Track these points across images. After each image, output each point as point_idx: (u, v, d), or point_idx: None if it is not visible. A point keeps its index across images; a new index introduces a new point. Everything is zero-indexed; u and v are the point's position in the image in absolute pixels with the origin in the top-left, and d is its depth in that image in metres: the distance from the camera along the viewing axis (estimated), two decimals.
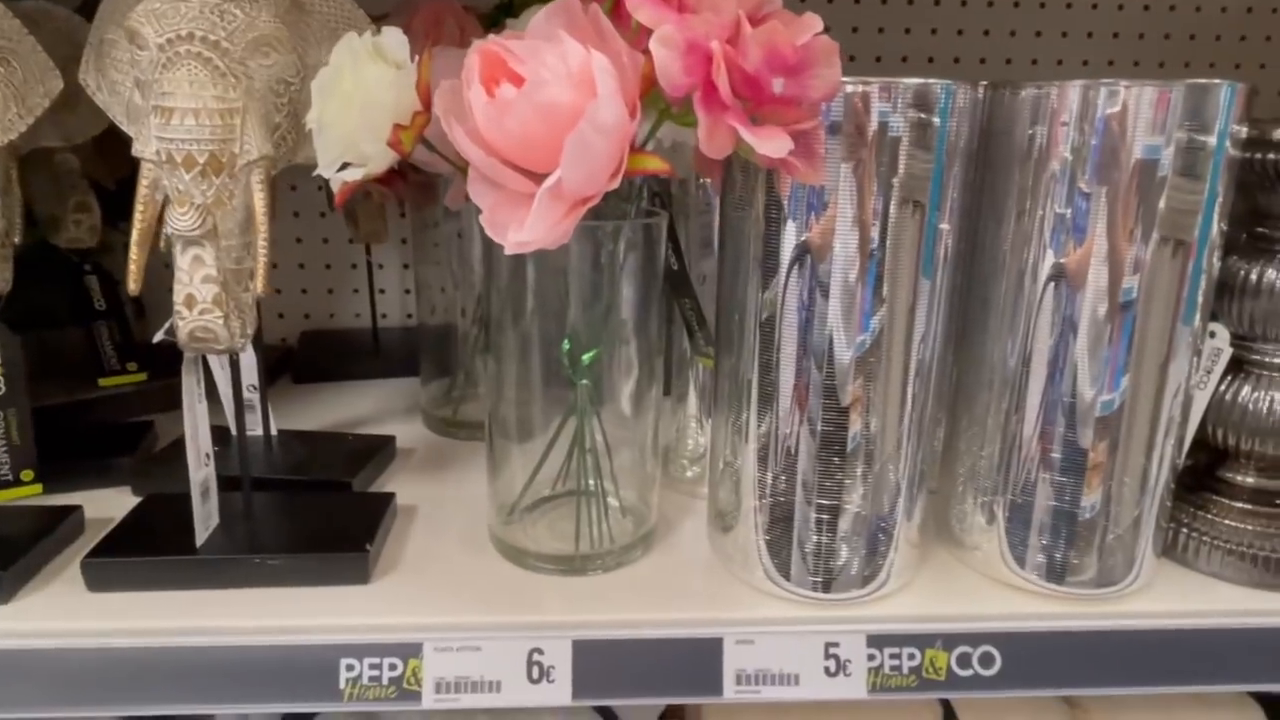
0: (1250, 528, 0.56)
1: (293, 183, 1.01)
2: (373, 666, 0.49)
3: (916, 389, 0.51)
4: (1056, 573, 0.53)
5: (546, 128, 0.39)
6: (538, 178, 0.41)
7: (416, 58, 0.46)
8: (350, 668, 0.49)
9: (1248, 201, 0.55)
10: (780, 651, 0.50)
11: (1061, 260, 0.49)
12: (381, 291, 1.04)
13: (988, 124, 0.51)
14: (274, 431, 0.72)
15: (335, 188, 0.48)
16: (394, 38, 0.46)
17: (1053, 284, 0.49)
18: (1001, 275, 0.52)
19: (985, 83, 0.50)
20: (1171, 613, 0.53)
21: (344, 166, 0.47)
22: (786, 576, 0.52)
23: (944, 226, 0.48)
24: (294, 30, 0.52)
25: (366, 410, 0.85)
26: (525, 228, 0.41)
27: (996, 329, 0.52)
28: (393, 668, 0.49)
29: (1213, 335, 0.57)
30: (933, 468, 0.55)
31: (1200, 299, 0.50)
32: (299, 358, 0.97)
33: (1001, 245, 0.51)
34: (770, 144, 0.38)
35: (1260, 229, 0.54)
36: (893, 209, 0.46)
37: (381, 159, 0.46)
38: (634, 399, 0.56)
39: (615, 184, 0.41)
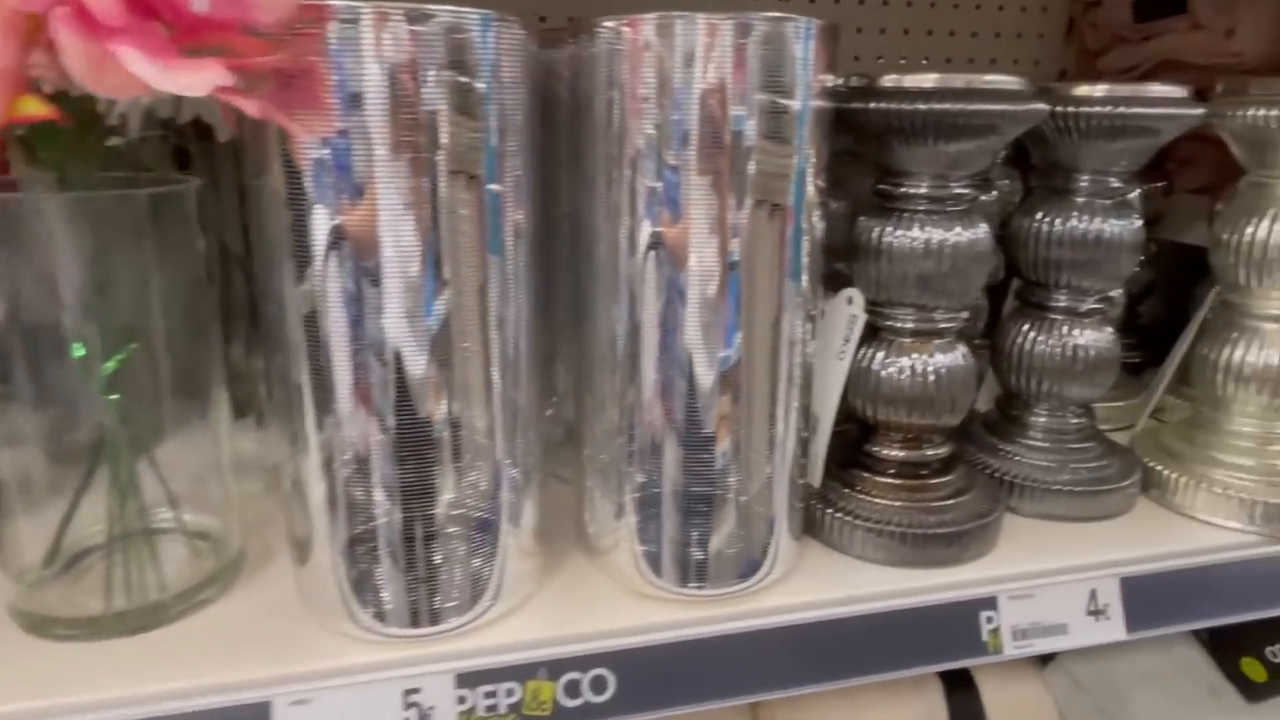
0: (895, 503, 0.53)
1: None
2: None
3: (502, 375, 0.43)
4: (685, 572, 0.47)
5: None
6: None
7: None
8: None
9: (878, 156, 0.51)
10: (345, 709, 0.41)
11: (659, 230, 0.43)
12: None
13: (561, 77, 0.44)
14: None
15: None
16: None
17: (653, 254, 0.43)
18: (599, 247, 0.45)
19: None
20: (808, 604, 0.48)
21: None
22: (370, 614, 0.44)
23: (494, 188, 0.40)
24: None
25: None
26: None
27: (604, 304, 0.46)
28: None
29: (850, 301, 0.53)
30: (553, 462, 0.48)
31: (805, 259, 0.45)
32: None
33: (595, 216, 0.45)
34: (179, 77, 0.29)
35: (882, 186, 0.51)
36: (442, 181, 0.39)
37: None
38: (183, 410, 0.46)
39: None
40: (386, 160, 0.38)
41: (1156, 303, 0.91)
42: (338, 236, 0.39)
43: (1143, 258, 0.86)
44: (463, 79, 0.38)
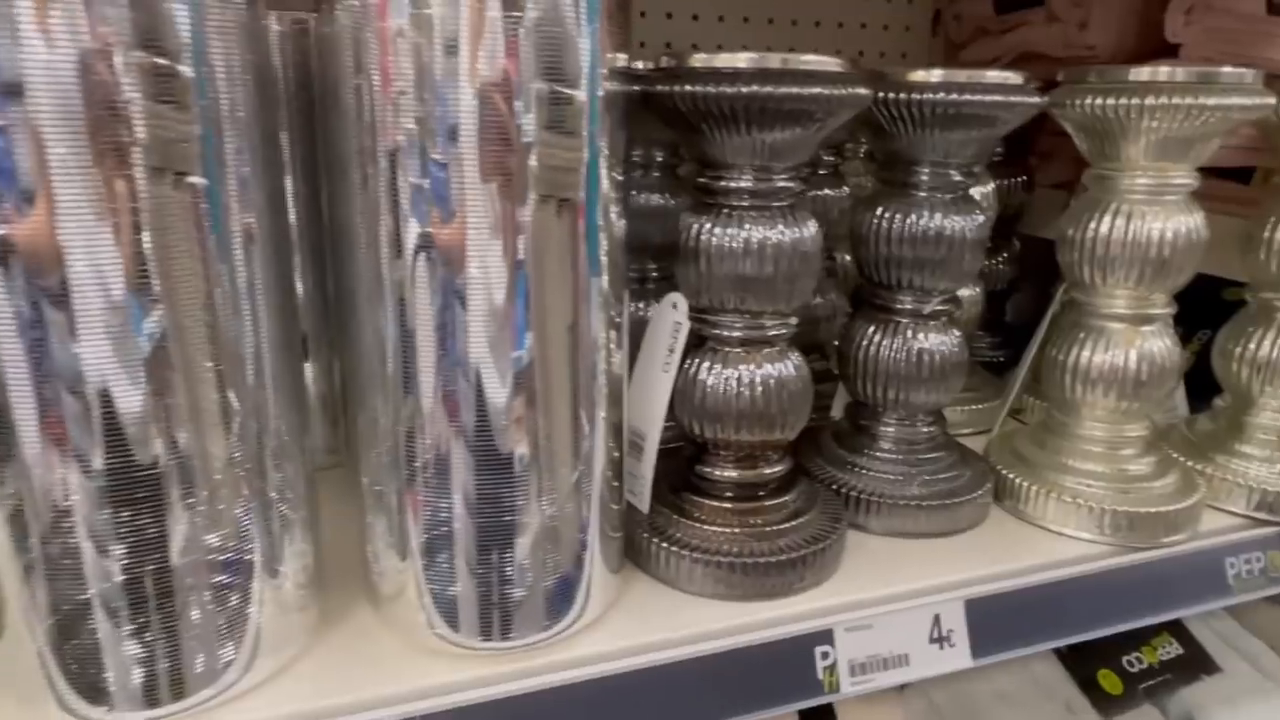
0: (728, 529, 0.48)
1: None
2: None
3: (241, 399, 0.37)
4: (482, 621, 0.41)
5: None
6: None
7: None
8: None
9: (694, 146, 0.46)
10: None
11: (429, 230, 0.36)
12: None
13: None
14: None
15: None
16: None
17: (423, 256, 0.37)
18: (358, 250, 0.39)
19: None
20: (624, 650, 0.43)
21: None
22: (86, 695, 0.36)
23: (197, 181, 0.34)
24: None
25: None
26: None
27: (369, 312, 0.39)
28: None
29: (674, 307, 0.48)
30: (300, 500, 0.41)
31: (604, 258, 0.40)
32: None
33: (353, 215, 0.38)
34: None
35: (701, 179, 0.46)
36: (141, 181, 0.32)
37: None
38: None
39: None
40: (67, 158, 0.31)
41: (1021, 299, 0.89)
42: (3, 250, 0.31)
43: (1005, 254, 0.85)
44: (161, 61, 0.32)
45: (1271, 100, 0.50)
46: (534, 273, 0.38)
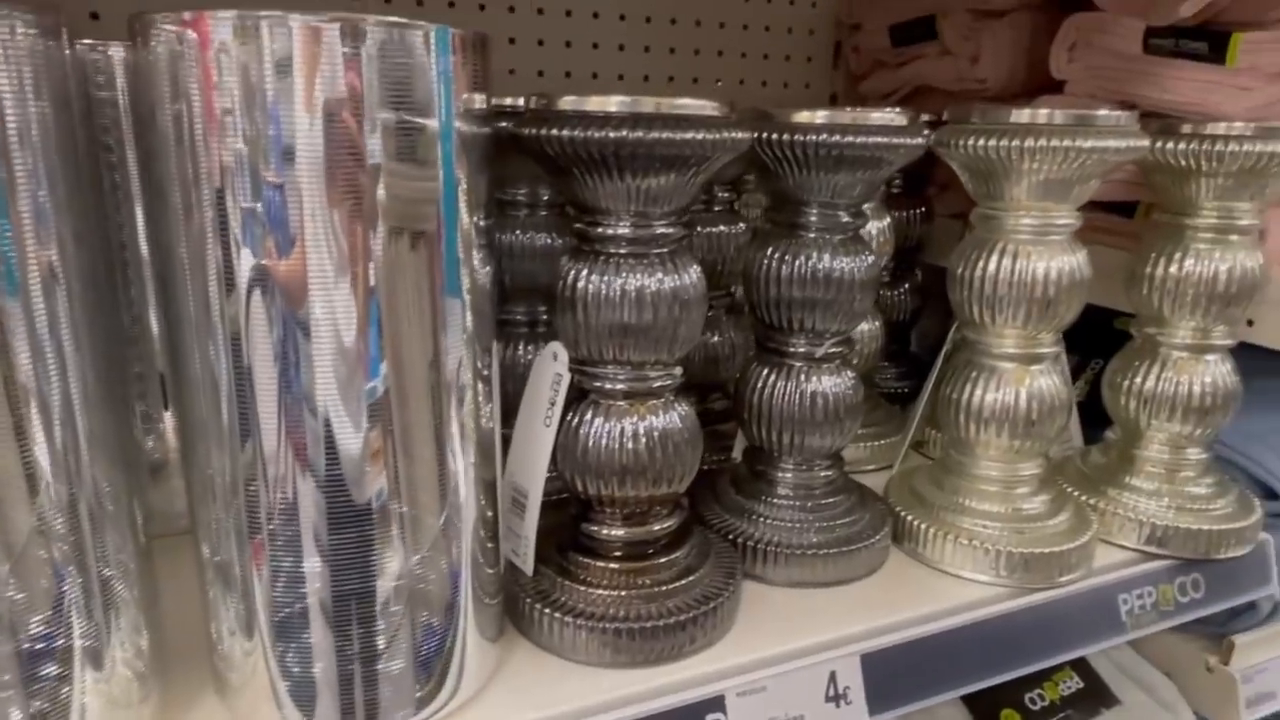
0: (615, 591, 0.46)
1: None
2: None
3: (50, 458, 0.33)
4: (341, 705, 0.38)
5: None
6: None
7: None
8: None
9: (570, 191, 0.44)
10: None
11: (263, 263, 0.33)
12: None
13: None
14: None
15: None
16: None
17: (257, 291, 0.34)
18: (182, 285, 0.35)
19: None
20: None
21: None
22: None
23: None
24: None
25: None
26: None
27: (201, 356, 0.36)
28: None
29: (555, 358, 0.46)
30: (131, 573, 0.37)
31: (466, 295, 0.37)
32: None
33: (176, 248, 0.35)
34: None
35: (578, 225, 0.44)
36: None
37: None
38: None
39: None
40: None
41: (924, 328, 0.90)
42: None
43: (907, 284, 0.85)
44: None
45: (1145, 142, 0.50)
46: (386, 303, 0.35)
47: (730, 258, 0.64)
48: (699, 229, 0.62)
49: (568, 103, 0.40)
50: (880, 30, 0.91)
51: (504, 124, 0.43)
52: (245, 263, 0.33)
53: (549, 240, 0.56)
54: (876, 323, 0.73)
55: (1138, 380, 0.60)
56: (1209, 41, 0.62)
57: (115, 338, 0.37)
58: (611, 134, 0.38)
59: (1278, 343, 0.62)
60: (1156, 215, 0.59)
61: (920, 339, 0.90)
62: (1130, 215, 0.69)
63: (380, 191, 0.34)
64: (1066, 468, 0.65)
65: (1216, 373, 0.58)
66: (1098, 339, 0.72)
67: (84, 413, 0.34)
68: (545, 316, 0.58)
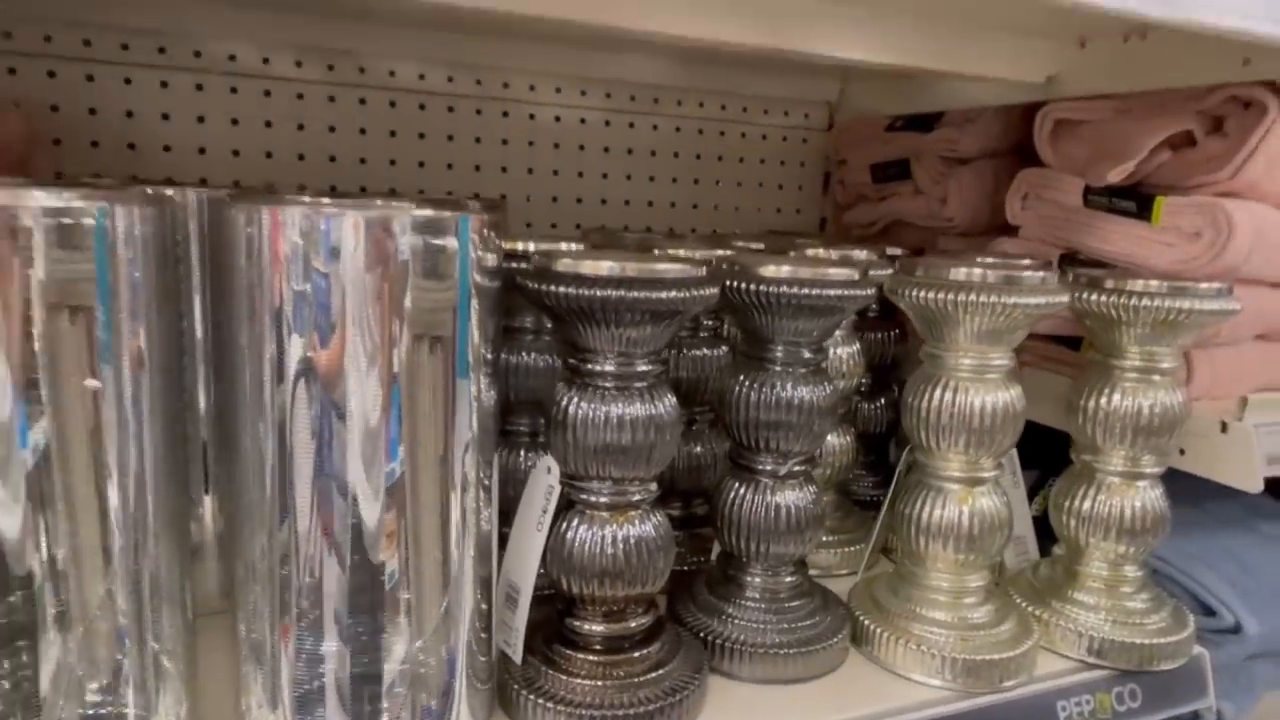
0: (592, 681, 0.52)
1: None
2: None
3: (124, 533, 0.40)
4: None
5: None
6: None
7: None
8: None
9: (563, 332, 0.52)
10: None
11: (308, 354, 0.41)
12: None
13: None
14: None
15: None
16: None
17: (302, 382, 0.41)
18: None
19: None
20: None
21: None
22: None
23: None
24: None
25: None
26: None
27: (247, 437, 0.43)
28: None
29: (548, 471, 0.53)
30: (179, 648, 0.44)
31: (474, 401, 0.45)
32: None
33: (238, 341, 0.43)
34: None
35: (571, 360, 0.52)
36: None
37: None
38: None
39: None
40: None
41: (902, 439, 0.97)
42: None
43: (883, 400, 0.92)
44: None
45: (1064, 299, 0.58)
46: (406, 395, 0.42)
47: (713, 378, 0.72)
48: (685, 351, 0.70)
49: (564, 264, 0.48)
50: (863, 167, 1.01)
51: (515, 265, 0.52)
52: (294, 354, 0.41)
53: (549, 361, 0.64)
54: (848, 437, 0.79)
55: (1077, 502, 0.66)
56: (1137, 201, 0.70)
57: (178, 418, 0.44)
58: (599, 293, 0.46)
59: (1206, 470, 0.68)
60: (1090, 354, 0.67)
61: (897, 450, 0.97)
62: (1076, 348, 0.77)
63: (407, 315, 0.41)
64: (1019, 580, 0.71)
65: (1147, 497, 0.65)
66: (1057, 457, 0.78)
67: (154, 490, 0.41)
68: (544, 428, 0.66)
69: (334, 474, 0.42)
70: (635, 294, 0.47)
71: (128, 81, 0.80)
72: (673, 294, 0.48)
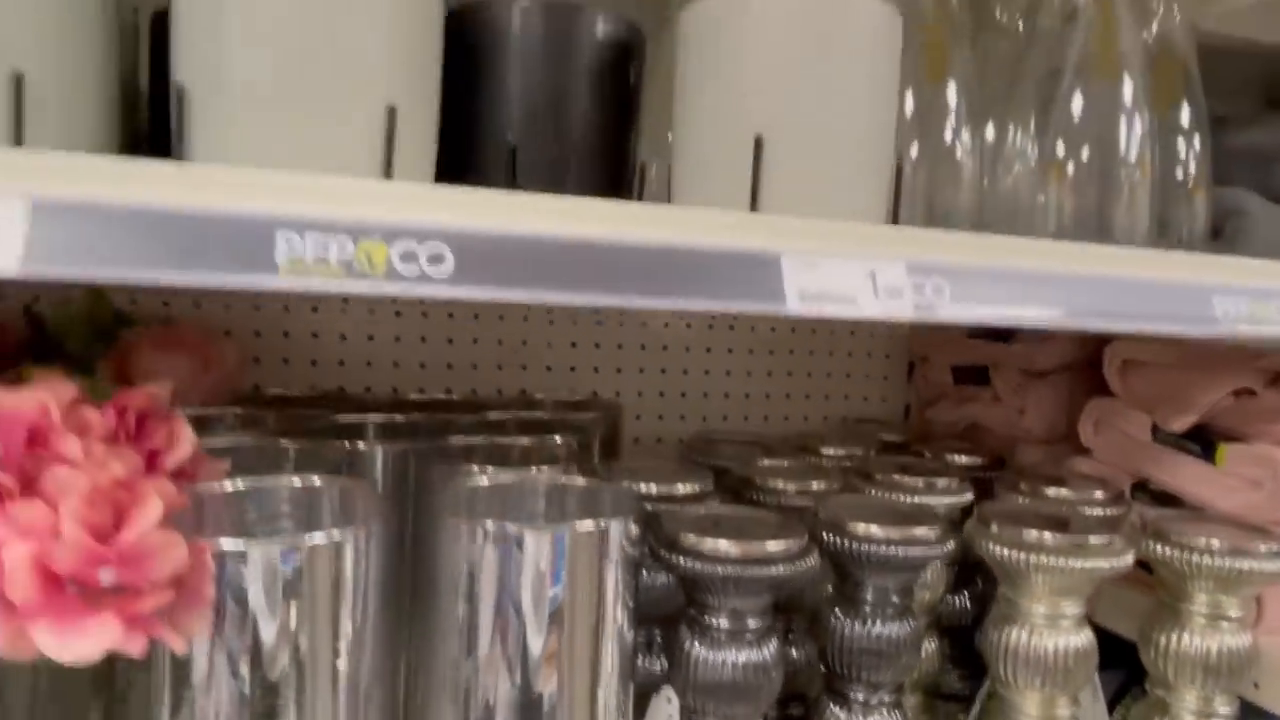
0: None
1: None
2: None
3: None
4: None
5: None
6: None
7: None
8: None
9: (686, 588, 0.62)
10: None
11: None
12: None
13: None
14: None
15: None
16: None
17: None
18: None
19: None
20: None
21: None
22: None
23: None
24: None
25: None
26: None
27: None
28: None
29: (669, 700, 0.62)
30: None
31: (625, 633, 0.55)
32: None
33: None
34: (77, 646, 0.38)
35: (690, 610, 0.61)
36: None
37: None
38: None
39: None
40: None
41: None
42: None
43: (968, 593, 0.98)
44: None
45: (1129, 560, 0.65)
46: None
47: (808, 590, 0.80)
48: None
49: (689, 540, 0.58)
50: (944, 366, 1.10)
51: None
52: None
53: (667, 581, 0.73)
54: (933, 642, 0.86)
55: None
56: (1201, 444, 0.77)
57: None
58: (719, 569, 0.56)
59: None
60: (1161, 594, 0.73)
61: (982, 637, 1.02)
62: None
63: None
64: None
65: None
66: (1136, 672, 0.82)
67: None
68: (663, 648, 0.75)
69: None
70: (749, 573, 0.56)
71: (314, 310, 0.96)
72: (779, 570, 0.57)
